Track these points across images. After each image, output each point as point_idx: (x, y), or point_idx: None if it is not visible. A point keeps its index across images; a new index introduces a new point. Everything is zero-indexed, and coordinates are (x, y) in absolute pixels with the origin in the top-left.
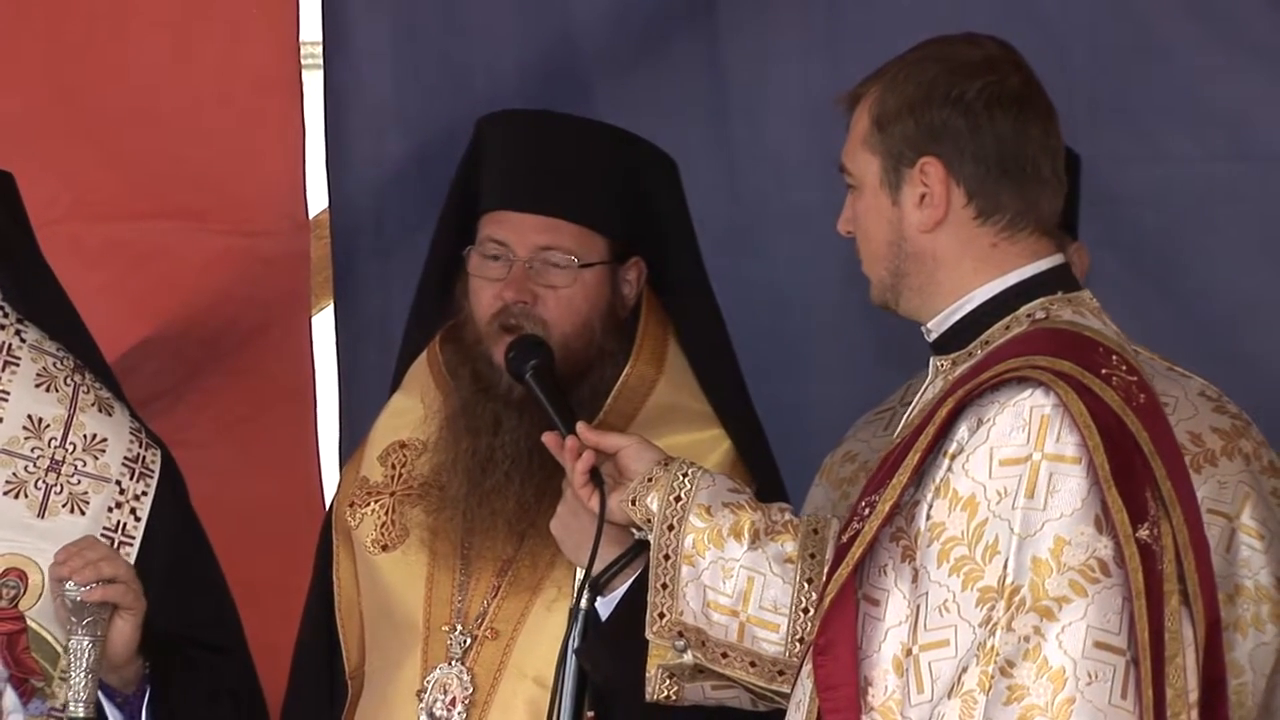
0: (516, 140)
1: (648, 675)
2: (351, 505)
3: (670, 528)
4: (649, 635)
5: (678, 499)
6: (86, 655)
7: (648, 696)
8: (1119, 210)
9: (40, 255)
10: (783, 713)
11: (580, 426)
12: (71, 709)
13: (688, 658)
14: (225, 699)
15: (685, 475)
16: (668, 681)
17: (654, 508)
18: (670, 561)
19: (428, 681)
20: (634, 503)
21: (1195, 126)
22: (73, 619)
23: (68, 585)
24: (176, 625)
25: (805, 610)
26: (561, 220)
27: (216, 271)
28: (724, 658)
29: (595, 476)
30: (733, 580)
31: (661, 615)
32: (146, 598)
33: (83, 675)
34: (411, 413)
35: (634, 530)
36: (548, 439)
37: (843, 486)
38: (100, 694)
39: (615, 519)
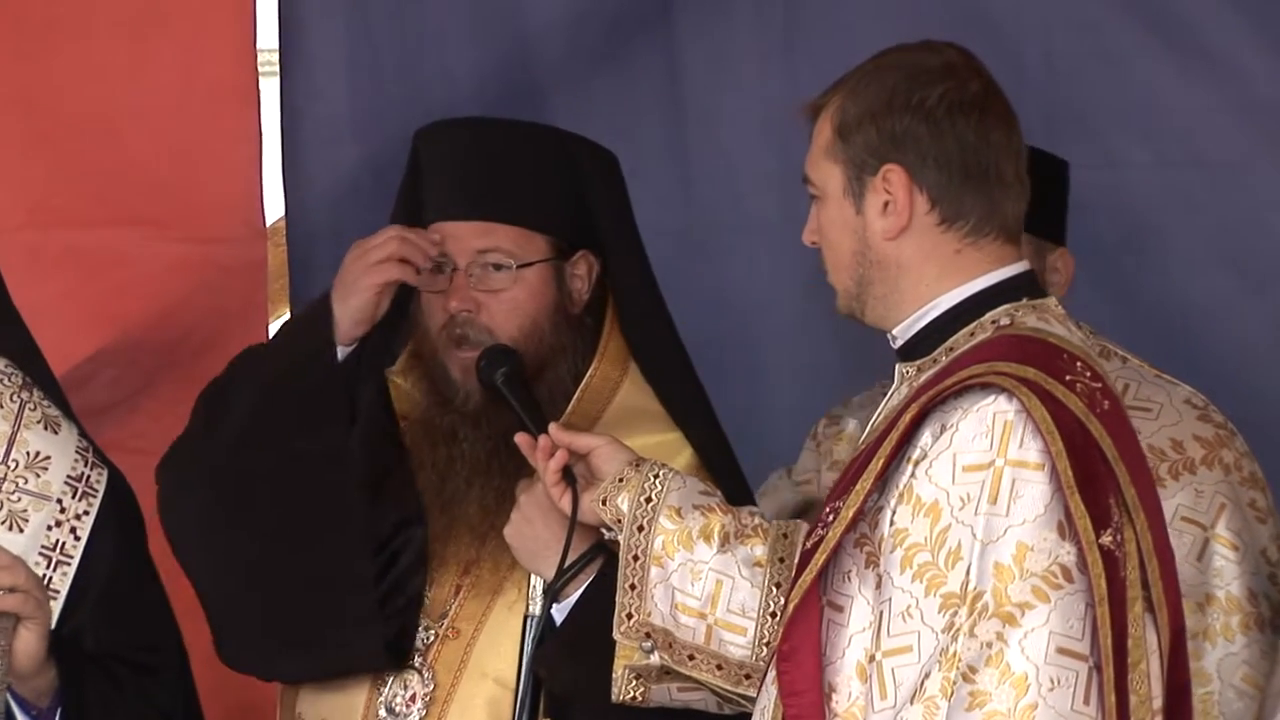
0: (447, 150)
1: (614, 675)
2: None
3: (640, 529)
4: (616, 635)
5: (648, 500)
6: None
7: (614, 697)
8: (1072, 217)
9: None
10: (748, 716)
11: (552, 427)
12: None
13: (654, 659)
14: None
15: (656, 476)
16: (634, 682)
17: (624, 508)
18: (639, 563)
19: (387, 677)
20: (604, 503)
21: (1149, 133)
22: None
23: None
24: (110, 646)
25: (773, 614)
26: (496, 223)
27: (174, 279)
28: (691, 660)
29: (568, 476)
30: (701, 583)
31: (629, 616)
32: (82, 617)
33: None
34: None
35: (603, 530)
36: (520, 439)
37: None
38: (15, 706)
39: (585, 519)
